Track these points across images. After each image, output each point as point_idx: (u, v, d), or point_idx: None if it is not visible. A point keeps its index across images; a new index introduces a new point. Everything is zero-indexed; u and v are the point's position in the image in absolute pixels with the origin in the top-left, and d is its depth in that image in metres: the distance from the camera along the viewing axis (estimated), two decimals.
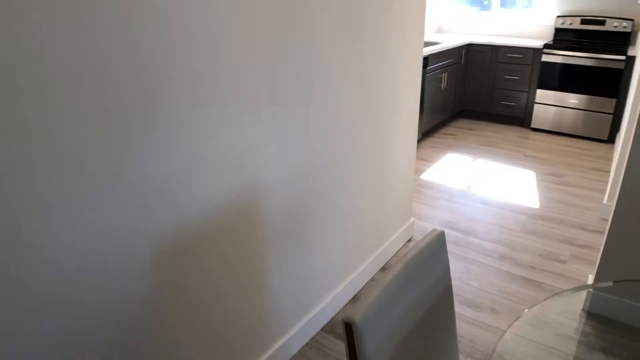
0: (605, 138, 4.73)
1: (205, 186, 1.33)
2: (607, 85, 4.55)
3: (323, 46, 1.62)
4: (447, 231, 3.01)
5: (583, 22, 4.89)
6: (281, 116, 1.53)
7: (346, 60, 1.78)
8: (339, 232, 2.09)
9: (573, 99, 4.76)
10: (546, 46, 4.75)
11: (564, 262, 2.70)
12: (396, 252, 2.75)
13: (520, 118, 5.20)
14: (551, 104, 4.90)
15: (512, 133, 5.05)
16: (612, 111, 4.62)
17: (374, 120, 2.15)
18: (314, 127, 1.71)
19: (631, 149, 1.97)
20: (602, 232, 3.02)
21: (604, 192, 3.62)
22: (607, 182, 3.79)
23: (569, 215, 3.24)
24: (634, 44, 4.77)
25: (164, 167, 1.19)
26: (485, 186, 3.69)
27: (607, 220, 3.17)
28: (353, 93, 1.92)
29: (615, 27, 4.74)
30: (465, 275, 2.57)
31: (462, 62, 5.17)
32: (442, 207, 3.34)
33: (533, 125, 5.07)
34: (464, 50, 5.13)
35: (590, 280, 2.37)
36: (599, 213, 3.27)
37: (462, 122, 5.38)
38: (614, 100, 4.57)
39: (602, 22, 4.79)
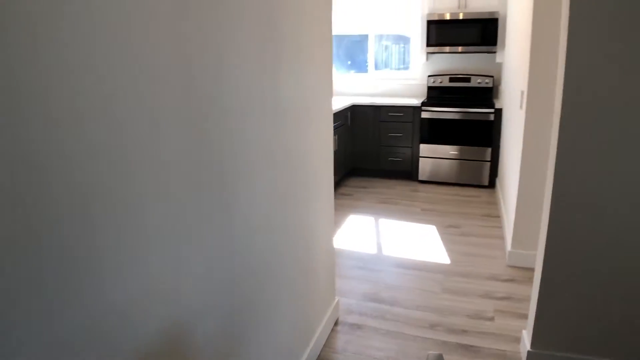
0: (487, 184, 5.02)
1: (119, 335, 0.91)
2: (481, 135, 4.88)
3: (244, 156, 1.33)
4: (370, 304, 2.77)
5: (451, 80, 5.29)
6: (200, 236, 1.17)
7: (267, 168, 1.50)
8: (272, 340, 1.71)
9: (453, 150, 5.02)
10: (423, 103, 5.01)
11: (491, 319, 2.60)
12: (325, 342, 2.41)
13: (408, 172, 5.34)
14: (434, 157, 5.11)
15: (403, 187, 5.13)
16: (489, 159, 4.94)
17: (296, 205, 1.87)
18: (237, 236, 1.37)
19: (551, 212, 1.95)
20: (513, 281, 3.03)
21: (501, 237, 3.72)
22: (500, 227, 3.93)
23: (479, 267, 3.22)
24: (496, 97, 5.25)
25: (64, 328, 0.77)
26: (395, 247, 3.58)
27: (514, 267, 3.21)
28: (275, 180, 1.63)
29: (479, 83, 5.19)
30: (402, 357, 2.31)
31: (349, 123, 5.22)
32: (359, 277, 3.11)
33: (420, 178, 5.23)
34: (349, 112, 5.19)
35: (525, 337, 2.26)
36: (504, 260, 3.31)
37: (355, 181, 5.36)
38: (489, 148, 4.91)
39: (468, 79, 5.22)
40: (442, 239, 3.73)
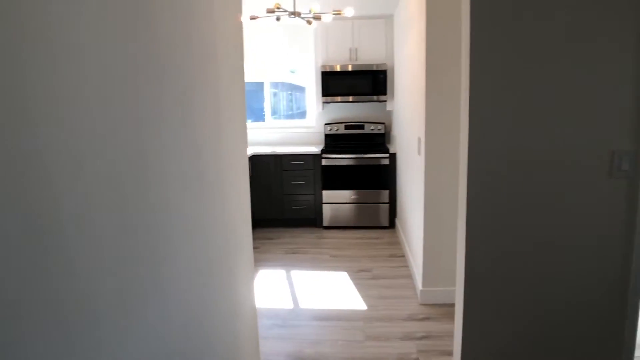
0: (387, 225, 5.23)
1: None
2: (379, 179, 5.12)
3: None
4: None
5: (347, 127, 5.52)
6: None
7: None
8: None
9: (354, 194, 5.18)
10: (323, 151, 5.14)
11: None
12: None
13: (312, 219, 5.37)
14: (336, 202, 5.22)
15: (309, 234, 5.14)
16: (387, 200, 5.17)
17: (221, 277, 1.73)
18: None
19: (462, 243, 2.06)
20: (429, 319, 3.12)
21: (409, 277, 3.85)
22: (407, 267, 4.08)
23: (395, 309, 3.28)
24: (389, 142, 5.58)
25: None
26: (311, 299, 3.51)
27: (427, 305, 3.32)
28: (198, 255, 1.50)
29: (372, 129, 5.49)
30: None
31: (250, 174, 5.14)
32: (280, 337, 2.97)
33: (325, 224, 5.29)
34: (250, 163, 5.13)
35: None
36: (417, 300, 3.41)
37: (261, 233, 5.24)
38: (387, 191, 5.15)
39: (362, 127, 5.49)
40: (355, 284, 3.75)
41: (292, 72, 5.89)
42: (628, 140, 2.00)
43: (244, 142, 2.17)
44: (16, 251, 0.72)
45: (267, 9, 3.27)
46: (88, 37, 0.92)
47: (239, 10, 2.07)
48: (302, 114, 6.03)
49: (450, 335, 2.82)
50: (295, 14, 3.37)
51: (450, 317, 3.05)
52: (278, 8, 3.21)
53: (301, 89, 5.90)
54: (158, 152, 1.23)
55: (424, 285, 3.36)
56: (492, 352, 2.17)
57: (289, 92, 6.00)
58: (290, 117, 6.35)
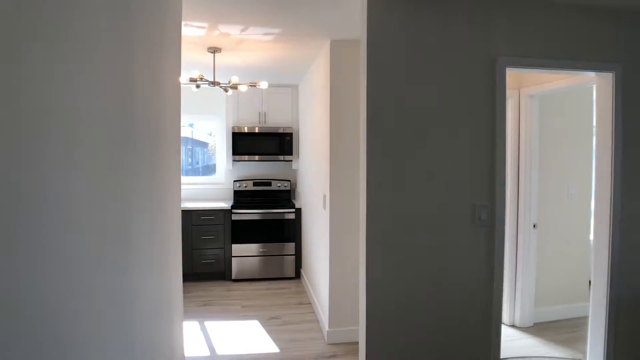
0: (293, 275, 5.59)
1: None
2: (286, 232, 5.52)
3: None
4: None
5: (255, 184, 5.91)
6: None
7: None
8: None
9: (262, 248, 5.50)
10: (233, 207, 5.44)
11: None
12: None
13: (222, 272, 5.55)
14: (246, 255, 5.49)
15: (219, 287, 5.30)
16: (293, 252, 5.56)
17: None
18: None
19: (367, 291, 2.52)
20: (336, 355, 3.48)
21: (316, 321, 4.21)
22: (313, 313, 4.44)
23: (305, 350, 3.60)
24: (294, 198, 6.05)
25: None
26: (226, 346, 3.70)
27: (333, 344, 3.69)
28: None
29: (279, 186, 5.94)
30: None
31: None
32: None
33: (234, 277, 5.49)
34: None
35: None
36: (324, 340, 3.77)
37: None
38: (293, 243, 5.55)
39: (269, 184, 5.92)
40: (267, 330, 4.01)
41: (191, 125, 6.21)
42: (484, 197, 2.66)
43: (179, 199, 2.46)
44: None
45: (190, 78, 3.64)
46: None
47: (179, 72, 2.42)
48: (205, 169, 6.31)
49: None
50: (215, 83, 3.78)
51: (355, 353, 3.46)
52: (201, 78, 3.60)
53: (202, 144, 6.23)
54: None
55: (330, 326, 3.74)
56: None
57: (189, 147, 6.27)
58: (192, 172, 6.57)
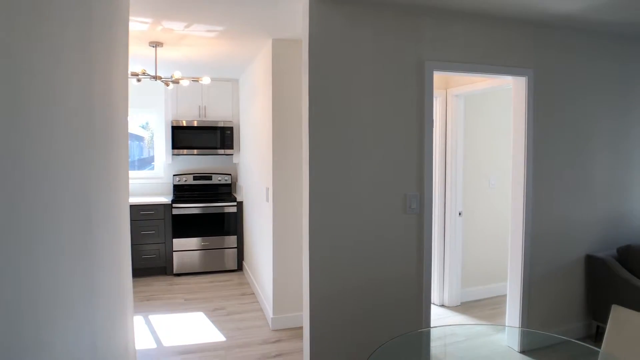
0: (236, 267, 5.68)
1: None
2: (227, 225, 5.59)
3: None
4: None
5: (195, 178, 5.92)
6: None
7: None
8: None
9: (204, 241, 5.54)
10: (173, 201, 5.43)
11: None
12: None
13: (163, 267, 5.54)
14: (187, 250, 5.51)
15: (161, 282, 5.29)
16: (235, 245, 5.65)
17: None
18: None
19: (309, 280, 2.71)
20: (280, 341, 3.66)
21: (260, 310, 4.36)
22: (257, 302, 4.58)
23: (251, 337, 3.74)
24: (235, 192, 6.13)
25: None
26: (173, 338, 3.75)
27: (278, 330, 3.86)
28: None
29: (220, 180, 5.99)
30: None
31: None
32: None
33: (176, 271, 5.50)
34: None
35: None
36: (269, 327, 3.93)
37: None
38: (235, 236, 5.64)
39: (210, 177, 5.95)
40: (213, 321, 4.10)
41: (137, 123, 6.11)
42: (414, 187, 2.93)
43: (127, 194, 2.51)
44: None
45: (132, 72, 3.63)
46: None
47: (127, 67, 2.46)
48: (141, 163, 6.22)
49: (300, 351, 3.41)
50: (157, 77, 3.79)
51: (298, 337, 3.66)
52: (144, 73, 3.60)
53: (137, 137, 6.15)
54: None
55: (274, 313, 3.90)
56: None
57: (132, 142, 6.16)
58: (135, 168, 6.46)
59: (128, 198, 2.53)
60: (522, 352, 3.31)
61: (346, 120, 2.76)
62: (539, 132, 3.32)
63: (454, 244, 4.31)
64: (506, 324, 3.55)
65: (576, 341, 2.43)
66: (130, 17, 2.93)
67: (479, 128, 4.46)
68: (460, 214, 4.29)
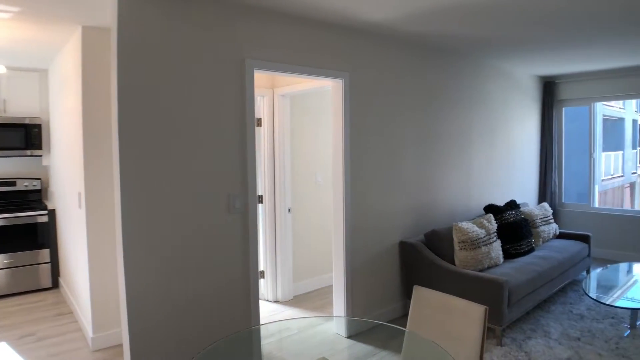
0: (50, 285, 5.00)
1: None
2: (38, 238, 4.88)
3: None
4: None
5: None
6: None
7: None
8: None
9: (9, 259, 4.76)
10: None
11: None
12: None
13: None
14: None
15: None
16: (49, 260, 4.96)
17: None
18: None
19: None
20: None
21: (80, 330, 3.90)
22: (76, 322, 4.09)
23: None
24: (47, 199, 5.38)
25: None
26: None
27: (99, 350, 3.50)
28: None
29: (26, 186, 5.19)
30: None
31: None
32: None
33: None
34: None
35: None
36: (89, 347, 3.54)
37: None
38: (48, 250, 4.95)
39: (13, 183, 5.12)
40: (19, 351, 3.53)
41: None
42: (238, 187, 2.90)
43: None
44: None
45: None
46: None
47: None
48: None
49: None
50: None
51: (122, 354, 3.35)
52: None
53: None
54: None
55: (94, 332, 3.52)
56: None
57: None
58: None
59: None
60: (349, 336, 3.56)
61: (162, 121, 2.59)
62: (355, 132, 3.58)
63: (284, 240, 4.41)
64: (334, 313, 3.76)
65: (388, 324, 2.68)
66: None
67: (305, 127, 4.64)
68: (289, 210, 4.41)
